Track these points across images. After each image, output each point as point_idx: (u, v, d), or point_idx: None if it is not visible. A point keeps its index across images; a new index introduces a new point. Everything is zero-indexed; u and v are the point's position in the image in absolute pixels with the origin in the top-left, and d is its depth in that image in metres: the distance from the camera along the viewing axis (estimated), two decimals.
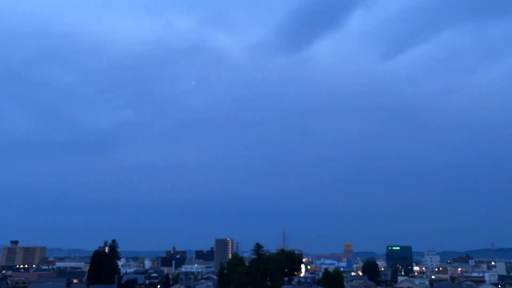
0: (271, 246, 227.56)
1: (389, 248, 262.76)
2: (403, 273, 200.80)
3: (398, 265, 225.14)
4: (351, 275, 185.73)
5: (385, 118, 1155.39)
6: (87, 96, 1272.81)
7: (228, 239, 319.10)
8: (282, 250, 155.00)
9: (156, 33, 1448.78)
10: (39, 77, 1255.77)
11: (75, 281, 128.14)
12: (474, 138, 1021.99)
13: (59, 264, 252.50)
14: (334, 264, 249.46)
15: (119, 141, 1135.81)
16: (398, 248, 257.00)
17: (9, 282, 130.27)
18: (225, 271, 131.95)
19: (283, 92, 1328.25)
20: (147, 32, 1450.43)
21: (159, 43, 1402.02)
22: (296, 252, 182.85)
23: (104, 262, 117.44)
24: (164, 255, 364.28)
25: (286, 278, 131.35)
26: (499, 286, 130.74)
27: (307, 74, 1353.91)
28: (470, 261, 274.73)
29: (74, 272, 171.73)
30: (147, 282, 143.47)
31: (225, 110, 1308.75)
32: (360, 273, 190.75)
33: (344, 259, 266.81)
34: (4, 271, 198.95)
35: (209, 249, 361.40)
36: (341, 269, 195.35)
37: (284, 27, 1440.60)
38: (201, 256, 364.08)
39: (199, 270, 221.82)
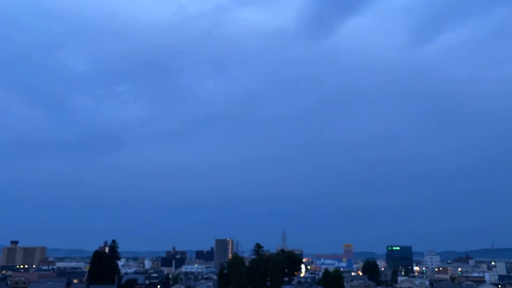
0: (271, 246, 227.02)
1: (389, 248, 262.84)
2: (403, 273, 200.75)
3: (400, 267, 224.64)
4: (351, 275, 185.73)
5: (393, 117, 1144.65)
6: (94, 89, 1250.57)
7: (228, 239, 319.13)
8: (282, 250, 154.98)
9: (168, 20, 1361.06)
10: (47, 65, 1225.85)
11: (75, 281, 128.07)
12: (473, 137, 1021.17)
13: (59, 264, 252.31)
14: (334, 264, 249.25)
15: (122, 139, 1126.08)
16: (398, 248, 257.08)
17: (9, 282, 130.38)
18: (225, 271, 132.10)
19: (302, 85, 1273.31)
20: (159, 20, 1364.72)
21: (171, 31, 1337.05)
22: (296, 252, 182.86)
23: (104, 262, 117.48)
24: (164, 255, 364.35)
25: (286, 278, 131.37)
26: (499, 286, 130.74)
27: (329, 63, 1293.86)
28: (470, 261, 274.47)
29: (74, 272, 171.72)
30: (147, 282, 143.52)
31: (236, 105, 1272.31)
32: (360, 273, 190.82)
33: (344, 259, 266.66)
34: (4, 271, 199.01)
35: (209, 249, 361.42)
36: (341, 269, 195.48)
37: (305, 12, 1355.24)
38: (201, 256, 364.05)
39: (199, 270, 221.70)
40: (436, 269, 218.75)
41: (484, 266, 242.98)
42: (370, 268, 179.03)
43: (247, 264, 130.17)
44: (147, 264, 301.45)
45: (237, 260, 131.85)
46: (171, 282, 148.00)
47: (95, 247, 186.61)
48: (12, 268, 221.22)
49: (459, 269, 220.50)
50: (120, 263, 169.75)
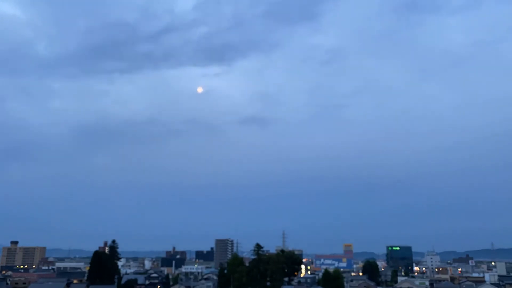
0: (271, 246, 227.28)
1: (389, 248, 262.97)
2: (403, 273, 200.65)
3: (400, 267, 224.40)
4: (351, 275, 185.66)
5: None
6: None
7: (228, 239, 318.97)
8: (282, 251, 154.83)
9: None
10: None
11: (75, 281, 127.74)
12: (473, 137, 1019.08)
13: (59, 264, 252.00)
14: (334, 264, 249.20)
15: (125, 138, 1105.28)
16: (398, 248, 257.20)
17: (9, 282, 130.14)
18: (225, 271, 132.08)
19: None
20: None
21: None
22: (296, 252, 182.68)
23: (104, 262, 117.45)
24: (164, 255, 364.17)
25: (286, 279, 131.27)
26: (499, 286, 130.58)
27: None
28: (470, 261, 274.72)
29: (74, 273, 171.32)
30: (147, 282, 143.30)
31: None
32: (360, 274, 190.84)
33: (344, 260, 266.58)
34: (4, 272, 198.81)
35: (209, 249, 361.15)
36: (341, 269, 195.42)
37: None
38: (201, 256, 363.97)
39: (199, 271, 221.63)
40: (436, 269, 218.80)
41: (484, 266, 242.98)
42: (370, 268, 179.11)
43: (247, 264, 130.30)
44: (147, 264, 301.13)
45: (237, 260, 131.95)
46: (171, 282, 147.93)
47: (95, 247, 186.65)
48: (12, 268, 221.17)
49: (459, 269, 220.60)
50: (120, 263, 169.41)
